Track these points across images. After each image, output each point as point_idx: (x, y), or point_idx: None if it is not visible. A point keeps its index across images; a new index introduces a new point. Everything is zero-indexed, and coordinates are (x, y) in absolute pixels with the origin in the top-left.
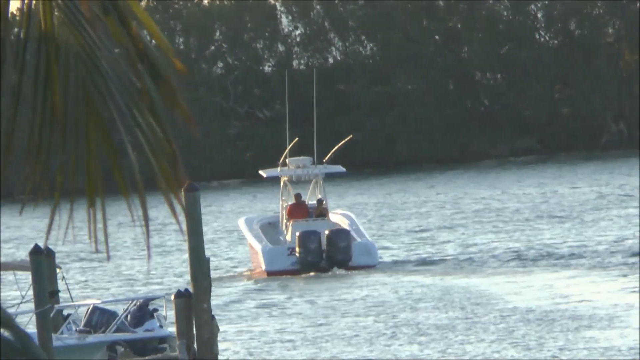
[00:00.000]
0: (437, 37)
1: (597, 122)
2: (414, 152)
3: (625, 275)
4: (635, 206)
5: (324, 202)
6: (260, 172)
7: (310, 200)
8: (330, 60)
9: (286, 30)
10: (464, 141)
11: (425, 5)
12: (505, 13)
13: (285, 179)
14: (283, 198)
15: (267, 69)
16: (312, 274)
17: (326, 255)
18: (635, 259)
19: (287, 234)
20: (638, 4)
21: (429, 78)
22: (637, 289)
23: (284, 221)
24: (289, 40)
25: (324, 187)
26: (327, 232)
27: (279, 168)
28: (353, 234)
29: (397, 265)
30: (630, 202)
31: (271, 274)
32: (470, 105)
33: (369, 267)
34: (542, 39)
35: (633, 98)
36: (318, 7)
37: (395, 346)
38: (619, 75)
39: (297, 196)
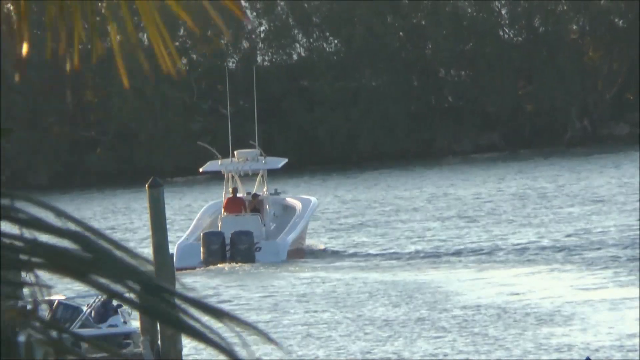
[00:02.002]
0: (401, 33)
1: (561, 118)
2: (376, 148)
3: (583, 272)
4: (596, 201)
5: (260, 196)
6: (201, 169)
7: (259, 193)
8: (295, 57)
9: (250, 26)
10: (428, 137)
11: (390, 1)
12: (469, 10)
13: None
14: (225, 192)
15: (231, 65)
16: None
17: (229, 256)
18: (593, 255)
19: (219, 227)
20: (602, 1)
21: (393, 74)
22: (596, 286)
23: (220, 215)
24: (253, 37)
25: (266, 181)
26: (230, 233)
27: (219, 161)
28: (270, 229)
29: (352, 261)
30: (590, 198)
31: (179, 269)
32: (434, 101)
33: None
34: (506, 36)
35: (597, 94)
36: (282, 3)
37: (349, 342)
38: (583, 71)
39: (234, 190)
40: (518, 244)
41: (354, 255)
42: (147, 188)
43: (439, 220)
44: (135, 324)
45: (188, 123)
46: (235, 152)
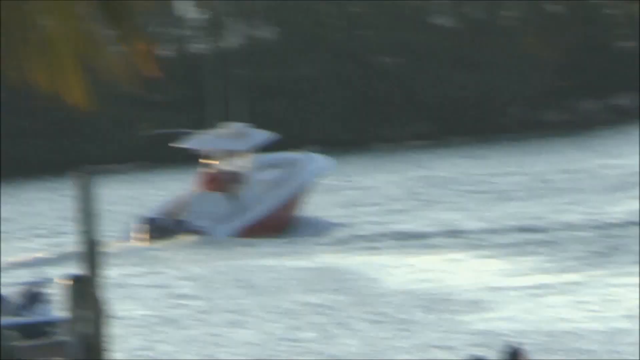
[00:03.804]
0: (339, 21)
1: (494, 105)
2: (310, 135)
3: (502, 258)
4: (526, 188)
5: (237, 172)
6: (182, 144)
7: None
8: (233, 45)
9: (188, 14)
10: (363, 125)
11: None
12: None
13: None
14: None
15: (167, 52)
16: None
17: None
18: (512, 241)
19: (190, 204)
20: None
21: (328, 62)
22: (514, 272)
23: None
24: (191, 24)
25: (248, 161)
26: (171, 219)
27: (206, 135)
28: (244, 204)
29: (269, 247)
30: (521, 184)
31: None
32: (369, 88)
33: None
34: (442, 23)
35: (532, 81)
36: None
37: (264, 327)
38: (518, 58)
39: (211, 165)
40: (440, 231)
41: (285, 241)
42: (74, 177)
43: (362, 205)
44: (61, 312)
45: (120, 112)
46: (222, 126)
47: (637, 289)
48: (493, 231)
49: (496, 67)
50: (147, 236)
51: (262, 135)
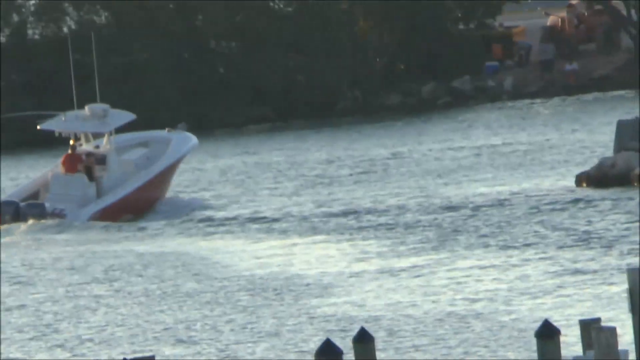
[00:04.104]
0: (171, 5)
1: (332, 89)
2: (149, 121)
3: (356, 241)
4: (367, 171)
5: (95, 154)
6: (39, 126)
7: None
8: (65, 30)
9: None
10: (200, 110)
11: None
12: None
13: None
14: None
15: (3, 39)
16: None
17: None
18: (366, 224)
19: (49, 186)
20: None
21: (163, 47)
22: (369, 255)
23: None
24: (23, 10)
25: (109, 141)
26: (22, 204)
27: (63, 117)
28: (106, 187)
29: (120, 232)
30: (362, 168)
31: None
32: (205, 73)
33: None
34: (277, 7)
35: (368, 65)
36: None
37: (107, 314)
38: (354, 42)
39: (72, 146)
40: (284, 215)
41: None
42: None
43: (210, 190)
44: None
45: None
46: (86, 107)
47: (480, 272)
48: (335, 215)
49: (335, 51)
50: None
51: (122, 116)
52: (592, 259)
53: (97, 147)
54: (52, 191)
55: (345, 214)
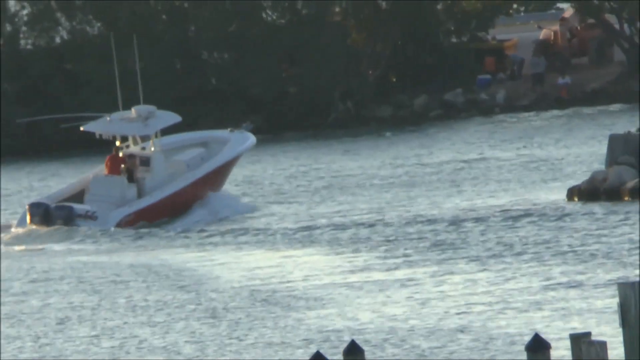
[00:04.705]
0: (164, 16)
1: (324, 100)
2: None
3: (347, 254)
4: (360, 184)
5: (137, 156)
6: (82, 127)
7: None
8: (58, 40)
9: (13, 9)
10: (193, 120)
11: None
12: None
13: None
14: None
15: None
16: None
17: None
18: (355, 236)
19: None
20: None
21: (157, 57)
22: (358, 268)
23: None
24: (16, 20)
25: (155, 143)
26: (53, 205)
27: (108, 117)
28: (148, 188)
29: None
30: (344, 181)
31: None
32: (198, 84)
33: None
34: (270, 18)
35: (360, 76)
36: None
37: (97, 324)
38: (347, 53)
39: (116, 148)
40: (276, 227)
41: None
42: None
43: None
44: None
45: None
46: (132, 108)
47: (470, 285)
48: (328, 227)
49: (327, 62)
50: (29, 222)
51: (166, 118)
52: (583, 273)
53: (144, 148)
54: (92, 192)
55: (335, 226)
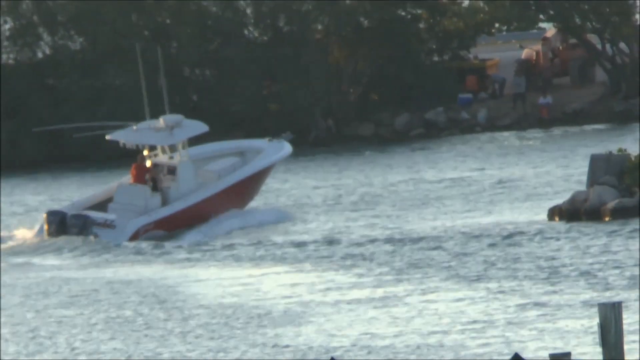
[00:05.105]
0: (146, 32)
1: (305, 118)
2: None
3: (322, 271)
4: (335, 201)
5: (160, 165)
6: (107, 136)
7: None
8: (40, 55)
9: None
10: None
11: (134, 0)
12: (214, 9)
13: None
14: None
15: None
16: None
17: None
18: (332, 254)
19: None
20: (347, 0)
21: (138, 73)
22: (335, 285)
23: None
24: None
25: (184, 146)
26: (69, 214)
27: (135, 126)
28: (173, 197)
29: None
30: (319, 199)
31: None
32: (179, 101)
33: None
34: (252, 35)
35: (341, 94)
36: (27, 1)
37: (70, 340)
38: (328, 71)
39: (141, 157)
40: (251, 243)
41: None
42: None
43: None
44: None
45: None
46: (160, 118)
47: (450, 304)
48: (303, 244)
49: (309, 80)
50: (46, 231)
51: (192, 128)
52: (563, 293)
53: (172, 157)
54: (115, 200)
55: (314, 243)
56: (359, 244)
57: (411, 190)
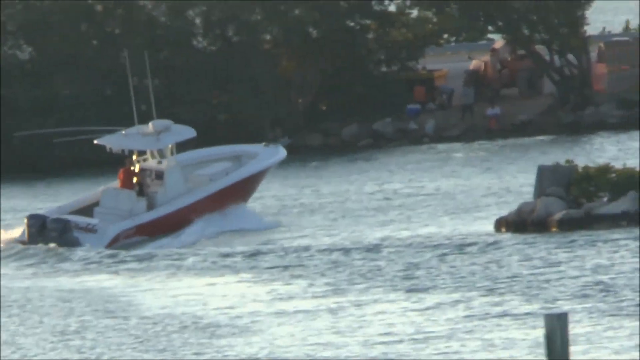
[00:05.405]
0: (95, 41)
1: (254, 127)
2: (74, 155)
3: (272, 282)
4: (275, 213)
5: (148, 169)
6: (95, 141)
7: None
8: None
9: None
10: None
11: (84, 9)
12: (163, 18)
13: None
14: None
15: None
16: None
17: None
18: (281, 264)
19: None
20: (297, 11)
21: (88, 82)
22: (284, 296)
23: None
24: None
25: (172, 151)
26: (49, 218)
27: (123, 130)
28: (158, 201)
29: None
30: (267, 210)
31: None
32: (128, 110)
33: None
34: (201, 45)
35: (290, 104)
36: None
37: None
38: (277, 81)
39: (129, 161)
40: (198, 253)
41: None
42: None
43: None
44: None
45: None
46: (150, 123)
47: (396, 315)
48: (250, 255)
49: (257, 90)
50: (26, 236)
51: (180, 133)
52: (510, 304)
53: (160, 162)
54: (101, 205)
55: (260, 254)
56: (305, 255)
57: (358, 201)
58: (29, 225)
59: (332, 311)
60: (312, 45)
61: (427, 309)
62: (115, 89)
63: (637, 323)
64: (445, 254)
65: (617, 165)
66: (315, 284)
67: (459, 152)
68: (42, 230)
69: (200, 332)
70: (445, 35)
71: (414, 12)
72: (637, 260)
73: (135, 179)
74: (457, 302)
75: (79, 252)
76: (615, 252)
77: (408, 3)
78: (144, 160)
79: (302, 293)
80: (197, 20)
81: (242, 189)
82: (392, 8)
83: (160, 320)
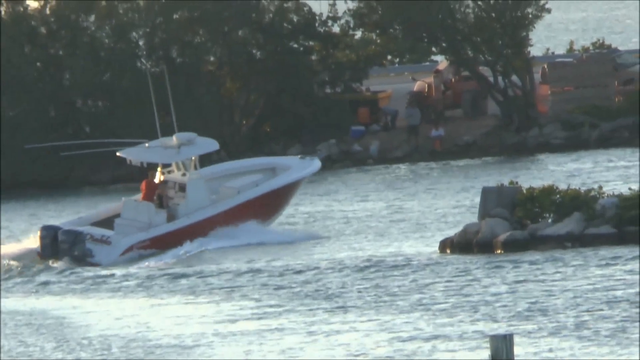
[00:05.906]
0: (38, 63)
1: None
2: (16, 178)
3: (221, 302)
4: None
5: (170, 181)
6: (118, 153)
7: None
8: None
9: None
10: (66, 167)
11: (27, 31)
12: (107, 40)
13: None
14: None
15: None
16: None
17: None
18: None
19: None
20: (240, 32)
21: (30, 104)
22: (235, 317)
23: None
24: None
25: (196, 164)
26: (61, 230)
27: (146, 143)
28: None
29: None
30: None
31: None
32: (72, 131)
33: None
34: (144, 67)
35: (234, 126)
36: None
37: None
38: (220, 102)
39: (152, 174)
40: (140, 274)
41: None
42: None
43: None
44: None
45: None
46: (174, 137)
47: (339, 335)
48: (194, 275)
49: (200, 111)
50: (39, 247)
51: (202, 146)
52: (455, 325)
53: (184, 174)
54: (122, 216)
55: (204, 275)
56: (248, 276)
57: (301, 223)
58: (42, 237)
59: (274, 332)
60: (255, 66)
61: (371, 330)
62: (58, 111)
63: (579, 344)
64: (388, 275)
65: (562, 186)
66: (257, 305)
67: (403, 174)
68: (54, 242)
69: (142, 353)
70: (389, 57)
71: (358, 34)
72: (581, 281)
73: (156, 191)
74: (401, 323)
75: (33, 271)
76: (560, 272)
77: (352, 24)
78: (169, 172)
79: (244, 314)
80: (141, 42)
81: (268, 202)
82: (335, 29)
83: (101, 342)
